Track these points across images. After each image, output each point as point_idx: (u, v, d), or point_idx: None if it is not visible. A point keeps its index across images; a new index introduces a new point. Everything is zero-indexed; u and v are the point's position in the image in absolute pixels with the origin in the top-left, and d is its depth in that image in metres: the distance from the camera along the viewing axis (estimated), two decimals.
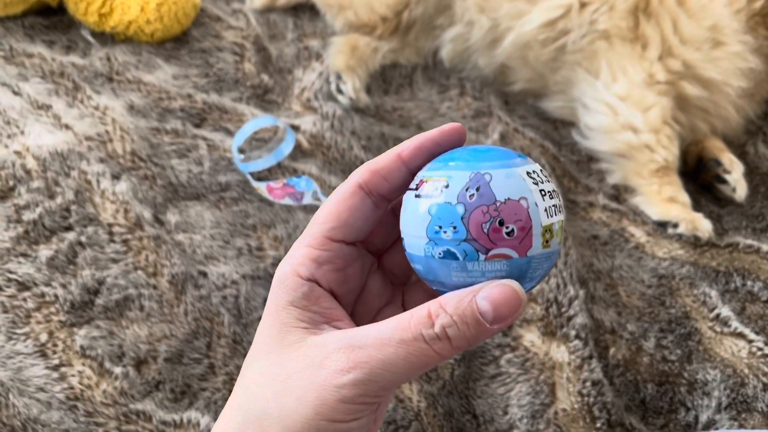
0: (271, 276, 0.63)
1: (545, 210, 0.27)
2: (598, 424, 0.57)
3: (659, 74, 0.76)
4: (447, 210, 0.27)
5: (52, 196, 0.65)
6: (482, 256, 0.27)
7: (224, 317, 0.60)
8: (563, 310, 0.63)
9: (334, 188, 0.70)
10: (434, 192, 0.27)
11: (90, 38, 0.85)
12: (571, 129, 0.85)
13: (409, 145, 0.29)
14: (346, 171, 0.75)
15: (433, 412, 0.57)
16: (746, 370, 0.61)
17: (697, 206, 0.76)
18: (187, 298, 0.60)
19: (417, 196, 0.28)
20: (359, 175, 0.29)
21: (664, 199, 0.73)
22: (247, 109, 0.79)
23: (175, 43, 0.86)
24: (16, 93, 0.75)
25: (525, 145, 0.79)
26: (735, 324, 0.64)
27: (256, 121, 0.72)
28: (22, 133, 0.71)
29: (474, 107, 0.85)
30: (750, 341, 0.63)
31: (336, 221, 0.29)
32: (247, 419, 0.27)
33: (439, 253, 0.27)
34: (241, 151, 0.73)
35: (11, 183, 0.65)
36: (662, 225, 0.73)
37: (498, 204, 0.27)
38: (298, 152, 0.75)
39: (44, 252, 0.61)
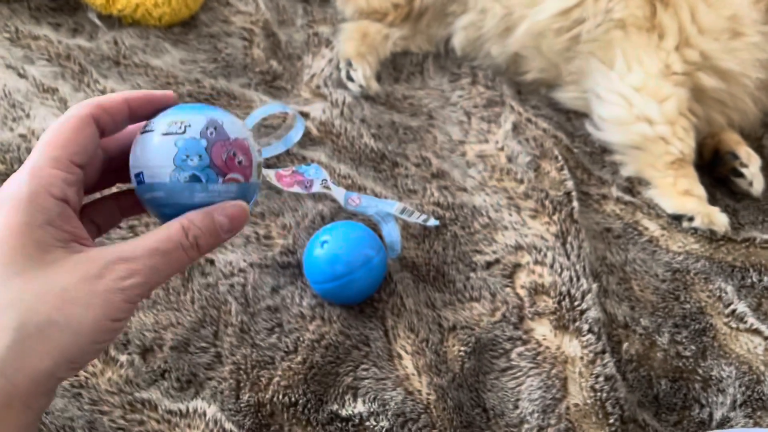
0: (279, 265, 0.62)
1: (257, 150, 0.38)
2: (611, 420, 0.55)
3: (676, 65, 0.74)
4: (193, 143, 0.34)
5: None
6: (220, 179, 0.35)
7: (231, 306, 0.59)
8: (576, 303, 0.62)
9: (344, 176, 0.70)
10: (178, 130, 0.34)
11: (97, 21, 0.83)
12: (584, 120, 0.84)
13: (137, 95, 0.36)
14: (355, 159, 0.73)
15: (442, 405, 0.56)
16: (762, 367, 0.60)
17: (712, 200, 0.75)
18: (193, 286, 0.59)
19: (163, 134, 0.34)
20: (91, 107, 0.34)
21: (680, 192, 0.72)
22: (256, 96, 0.78)
23: (183, 28, 0.85)
24: (21, 75, 0.74)
25: (538, 136, 0.77)
26: (751, 320, 0.63)
27: (266, 107, 0.71)
28: (28, 116, 0.70)
29: (486, 96, 0.83)
30: (766, 338, 0.62)
31: (77, 147, 0.33)
32: (24, 335, 0.28)
33: (186, 178, 0.34)
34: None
35: (16, 167, 0.64)
36: (677, 218, 0.71)
37: (232, 140, 0.35)
38: (307, 140, 0.74)
39: None
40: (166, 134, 0.34)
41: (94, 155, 0.35)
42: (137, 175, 0.35)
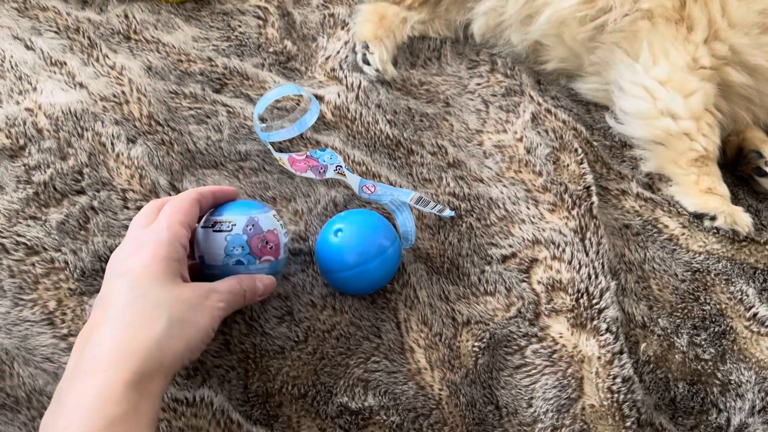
0: (291, 252, 0.61)
1: (284, 233, 0.54)
2: (628, 423, 0.54)
3: (704, 59, 0.72)
4: (238, 238, 0.50)
5: (64, 158, 0.62)
6: (257, 261, 0.51)
7: None
8: (594, 301, 0.60)
9: (358, 162, 0.68)
10: (227, 228, 0.50)
11: None
12: (605, 113, 0.82)
13: (223, 191, 0.54)
14: (370, 146, 0.71)
15: (455, 402, 0.55)
16: None
17: (734, 199, 0.73)
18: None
19: (218, 231, 0.50)
20: (196, 193, 0.51)
21: (702, 190, 0.70)
22: (269, 76, 0.75)
23: (195, 4, 0.83)
24: (28, 47, 0.72)
25: (557, 127, 0.75)
26: None
27: (280, 89, 0.69)
28: (34, 89, 0.68)
29: (505, 85, 0.81)
30: None
31: (192, 216, 0.49)
32: (172, 323, 0.42)
33: (233, 262, 0.50)
34: (262, 119, 0.70)
35: (22, 141, 0.62)
36: (699, 217, 0.69)
37: (265, 232, 0.51)
38: (321, 124, 0.72)
39: (54, 216, 0.58)
40: (220, 231, 0.50)
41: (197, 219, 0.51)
42: (200, 257, 0.51)
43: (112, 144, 0.64)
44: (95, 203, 0.60)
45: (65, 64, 0.71)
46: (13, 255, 0.55)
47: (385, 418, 0.54)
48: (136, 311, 0.42)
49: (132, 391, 0.39)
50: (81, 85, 0.69)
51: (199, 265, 0.52)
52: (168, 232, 0.46)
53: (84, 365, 0.40)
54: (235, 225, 0.50)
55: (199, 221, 0.52)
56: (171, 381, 0.43)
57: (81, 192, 0.60)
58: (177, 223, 0.47)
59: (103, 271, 0.57)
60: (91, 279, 0.56)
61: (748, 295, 0.64)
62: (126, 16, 0.78)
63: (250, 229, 0.50)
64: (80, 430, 0.37)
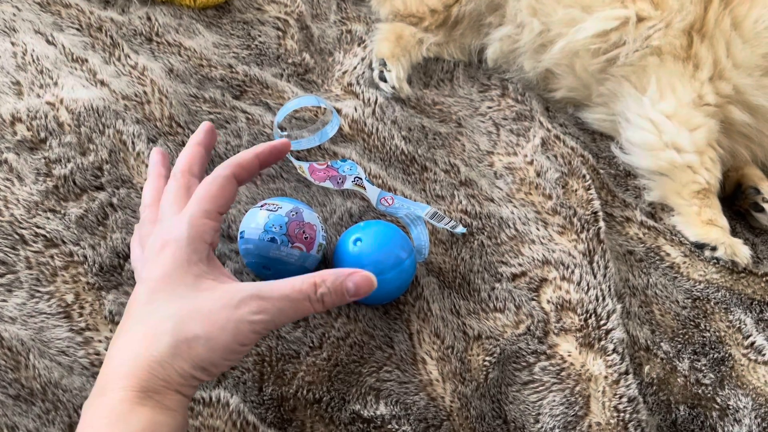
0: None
1: (322, 235, 0.56)
2: None
3: (708, 96, 0.75)
4: (279, 218, 0.53)
5: (84, 153, 0.62)
6: (289, 245, 0.53)
7: None
8: (602, 322, 0.62)
9: (375, 176, 0.69)
10: (273, 209, 0.54)
11: None
12: (610, 142, 0.84)
13: (264, 149, 0.48)
14: (385, 160, 0.73)
15: (465, 414, 0.56)
16: None
17: (732, 233, 0.76)
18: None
19: (264, 208, 0.54)
20: (233, 167, 0.46)
21: (704, 222, 0.72)
22: (288, 87, 0.77)
23: (216, 11, 0.84)
24: (50, 42, 0.72)
25: (566, 153, 0.78)
26: None
27: (301, 99, 0.70)
28: (56, 84, 0.68)
29: (515, 110, 0.83)
30: None
31: (223, 200, 0.44)
32: (179, 341, 0.37)
33: (270, 238, 0.52)
34: (281, 128, 0.71)
35: (42, 135, 0.62)
36: (700, 247, 0.72)
37: (305, 222, 0.54)
38: (339, 136, 0.73)
39: (74, 210, 0.58)
40: (266, 209, 0.54)
41: (232, 201, 0.46)
42: (241, 232, 0.54)
43: (133, 143, 0.64)
44: (114, 200, 0.60)
45: (86, 61, 0.71)
46: (32, 246, 0.55)
47: (396, 427, 0.54)
48: (146, 326, 0.39)
49: (141, 406, 0.36)
50: (102, 82, 0.69)
51: (238, 241, 0.55)
52: (189, 230, 0.41)
53: (99, 381, 0.39)
54: (280, 208, 0.54)
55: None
56: (193, 391, 0.39)
57: (100, 188, 0.60)
58: (201, 215, 0.42)
59: (121, 267, 0.57)
60: (108, 275, 0.55)
61: (746, 324, 0.66)
62: (148, 18, 0.79)
63: (293, 215, 0.54)
64: None
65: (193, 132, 0.67)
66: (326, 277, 0.40)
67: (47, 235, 0.56)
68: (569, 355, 0.60)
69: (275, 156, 0.49)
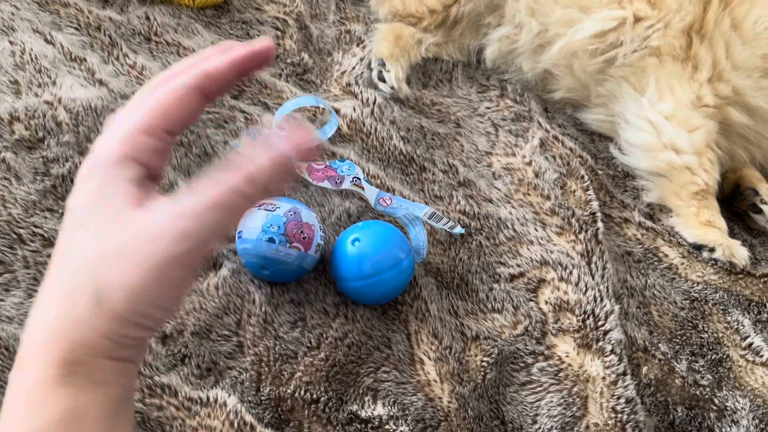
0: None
1: (320, 235, 0.56)
2: None
3: (707, 97, 0.75)
4: (277, 218, 0.53)
5: (82, 152, 0.62)
6: (287, 245, 0.53)
7: (255, 295, 0.57)
8: (600, 323, 0.61)
9: (373, 176, 0.69)
10: (271, 209, 0.54)
11: None
12: (608, 143, 0.84)
13: (243, 55, 0.33)
14: (384, 160, 0.73)
15: (463, 414, 0.56)
16: None
17: (730, 234, 0.76)
18: (220, 272, 0.57)
19: (259, 208, 0.54)
20: (197, 78, 0.32)
21: (702, 223, 0.72)
22: (286, 87, 0.77)
23: (215, 11, 0.84)
24: (48, 41, 0.72)
25: (564, 154, 0.78)
26: (767, 355, 0.64)
27: (299, 99, 0.70)
28: (54, 83, 0.68)
29: (514, 110, 0.83)
30: None
31: (175, 118, 0.31)
32: (96, 293, 0.29)
33: (268, 238, 0.53)
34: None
35: (40, 134, 0.62)
36: (698, 248, 0.72)
37: (303, 222, 0.55)
38: (337, 136, 0.73)
39: None
40: (264, 209, 0.54)
41: (191, 120, 0.33)
42: (239, 232, 0.54)
43: None
44: None
45: (85, 60, 0.71)
46: (30, 246, 0.55)
47: (394, 427, 0.54)
48: (63, 278, 0.30)
49: (63, 386, 0.29)
50: (101, 82, 0.69)
51: (236, 240, 0.55)
52: (123, 145, 0.31)
53: (21, 347, 0.31)
54: (278, 207, 0.54)
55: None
56: (133, 354, 0.31)
57: None
58: (139, 130, 0.31)
59: None
60: None
61: (743, 326, 0.66)
62: (147, 18, 0.79)
63: (291, 215, 0.54)
64: None
65: (190, 132, 0.67)
66: (253, 156, 0.30)
67: (45, 234, 0.56)
68: (567, 356, 0.60)
69: (256, 63, 0.34)
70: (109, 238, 0.30)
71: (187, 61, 0.33)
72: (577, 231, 0.69)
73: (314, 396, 0.54)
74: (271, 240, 0.53)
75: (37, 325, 0.30)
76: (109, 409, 0.30)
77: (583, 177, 0.75)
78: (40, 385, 0.29)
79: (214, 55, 0.33)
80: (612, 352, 0.60)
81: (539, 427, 0.57)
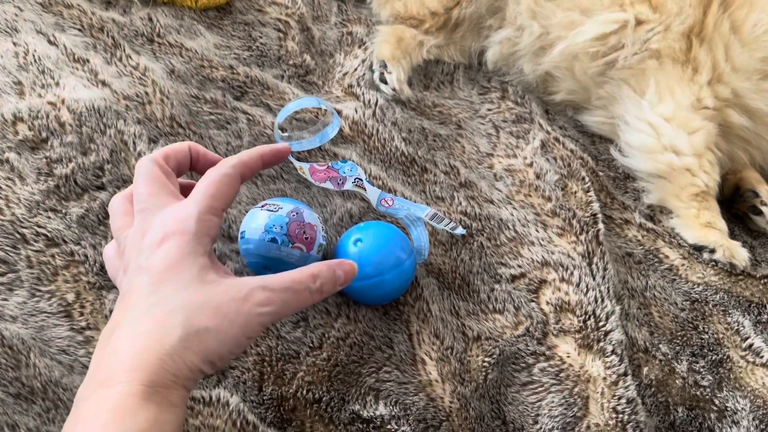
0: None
1: (322, 235, 0.57)
2: None
3: (707, 99, 0.75)
4: (280, 218, 0.54)
5: (85, 153, 0.62)
6: (290, 245, 0.53)
7: None
8: (601, 324, 0.62)
9: (375, 177, 0.69)
10: (274, 210, 0.54)
11: None
12: (609, 145, 0.85)
13: (269, 151, 0.48)
14: (385, 161, 0.73)
15: (464, 415, 0.56)
16: None
17: (730, 235, 0.76)
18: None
19: (265, 209, 0.55)
20: (239, 168, 0.45)
21: (702, 224, 0.72)
22: (289, 88, 0.77)
23: (218, 12, 0.84)
24: (51, 42, 0.72)
25: (565, 156, 0.78)
26: (767, 356, 0.64)
27: (302, 100, 0.70)
28: (57, 84, 0.68)
29: (515, 112, 0.84)
30: None
31: (228, 199, 0.44)
32: (189, 333, 0.37)
33: (270, 239, 0.53)
34: (281, 129, 0.71)
35: (44, 134, 0.62)
36: (698, 249, 0.72)
37: (305, 223, 0.55)
38: (339, 137, 0.73)
39: (75, 209, 0.58)
40: (267, 210, 0.54)
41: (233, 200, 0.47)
42: (242, 232, 0.55)
43: (134, 143, 0.64)
44: None
45: (88, 61, 0.71)
46: (33, 245, 0.55)
47: (395, 427, 0.54)
48: (155, 318, 0.38)
49: (148, 403, 0.36)
50: (104, 83, 0.69)
51: (239, 241, 0.56)
52: (197, 224, 0.41)
53: (101, 373, 0.37)
54: (281, 208, 0.55)
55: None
56: (194, 386, 0.39)
57: (101, 188, 0.61)
58: (208, 210, 0.42)
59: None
60: None
61: (744, 327, 0.66)
62: (150, 19, 0.79)
63: (294, 215, 0.54)
64: None
65: (193, 133, 0.68)
66: (321, 267, 0.43)
67: (48, 234, 0.56)
68: (568, 357, 0.60)
69: (277, 159, 0.49)
70: (198, 292, 0.39)
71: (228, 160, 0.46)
72: (578, 232, 0.69)
73: (316, 396, 0.54)
74: (273, 240, 0.53)
75: (126, 352, 0.37)
76: (179, 428, 0.37)
77: (584, 178, 0.76)
78: (129, 397, 0.35)
79: (250, 151, 0.47)
80: (613, 352, 0.60)
81: (540, 428, 0.57)
